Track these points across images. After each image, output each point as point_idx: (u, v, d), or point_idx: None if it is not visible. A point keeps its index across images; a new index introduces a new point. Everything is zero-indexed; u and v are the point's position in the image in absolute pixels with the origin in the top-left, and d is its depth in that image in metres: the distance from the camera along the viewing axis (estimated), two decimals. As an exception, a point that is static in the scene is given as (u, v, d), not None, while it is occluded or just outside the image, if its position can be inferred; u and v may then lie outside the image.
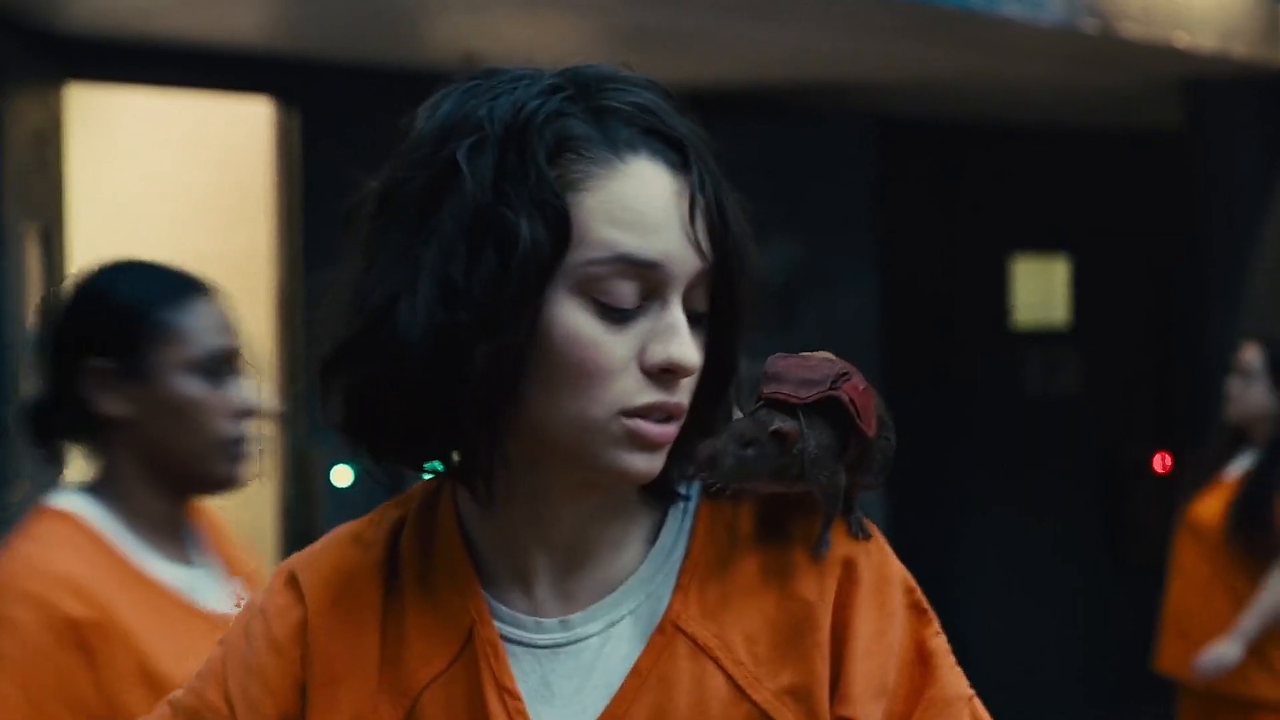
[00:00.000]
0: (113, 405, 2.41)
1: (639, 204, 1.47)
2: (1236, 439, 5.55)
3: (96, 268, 2.49)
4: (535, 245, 1.44)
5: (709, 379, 1.51)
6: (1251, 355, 5.52)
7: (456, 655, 1.53)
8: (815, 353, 1.54)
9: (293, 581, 1.58)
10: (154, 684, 2.28)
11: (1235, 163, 7.78)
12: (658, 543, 1.56)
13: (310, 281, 6.92)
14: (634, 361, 1.47)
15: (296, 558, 1.61)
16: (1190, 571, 5.49)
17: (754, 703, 1.49)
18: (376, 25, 6.45)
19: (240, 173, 7.16)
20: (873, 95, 8.16)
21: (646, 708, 1.50)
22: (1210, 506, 5.46)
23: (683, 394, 1.48)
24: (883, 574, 1.53)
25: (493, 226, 1.44)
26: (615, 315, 1.46)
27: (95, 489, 2.45)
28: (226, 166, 7.25)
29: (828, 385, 1.51)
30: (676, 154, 1.49)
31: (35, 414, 2.46)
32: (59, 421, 2.45)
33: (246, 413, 2.50)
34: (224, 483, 2.48)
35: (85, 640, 2.30)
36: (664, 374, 1.47)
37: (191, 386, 2.42)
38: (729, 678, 1.50)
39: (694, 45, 6.66)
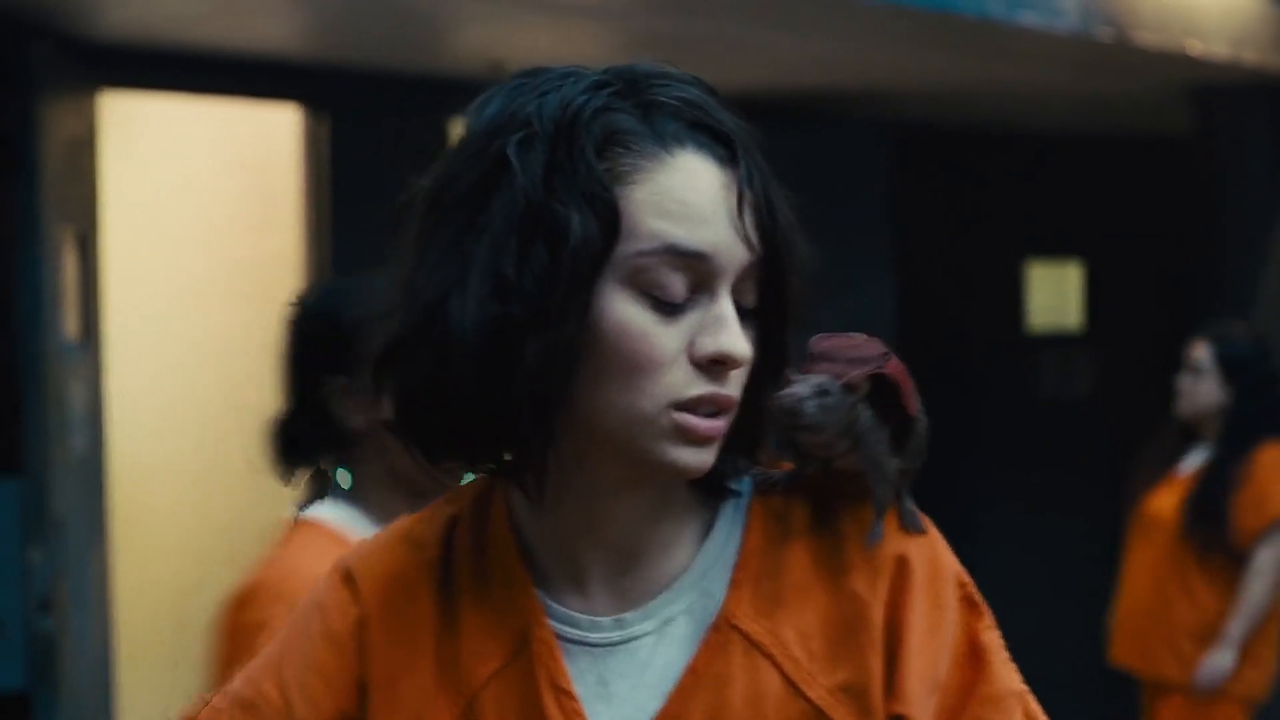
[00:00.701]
0: (360, 419, 2.49)
1: (687, 196, 1.46)
2: (1186, 435, 5.60)
3: (336, 282, 2.56)
4: (586, 238, 1.43)
5: (759, 374, 1.50)
6: (1201, 352, 5.56)
7: (512, 654, 1.52)
8: (855, 334, 1.54)
9: (349, 579, 1.57)
10: None
11: (1246, 167, 7.81)
12: (711, 539, 1.54)
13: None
14: (683, 354, 1.46)
15: (352, 555, 1.60)
16: (1144, 567, 5.54)
17: (809, 700, 1.48)
18: (403, 34, 6.50)
19: (270, 178, 7.20)
20: (890, 102, 8.20)
21: (703, 706, 1.49)
22: (1164, 502, 5.51)
23: (733, 387, 1.47)
24: (935, 568, 1.52)
25: (543, 221, 1.44)
26: (665, 307, 1.45)
27: (348, 498, 2.54)
28: (256, 172, 7.28)
29: (875, 365, 1.51)
30: (724, 148, 1.48)
31: (283, 430, 2.54)
32: (307, 437, 2.53)
33: None
34: None
35: None
36: (713, 365, 1.46)
37: None
38: (783, 675, 1.49)
39: (714, 52, 6.70)
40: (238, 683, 1.58)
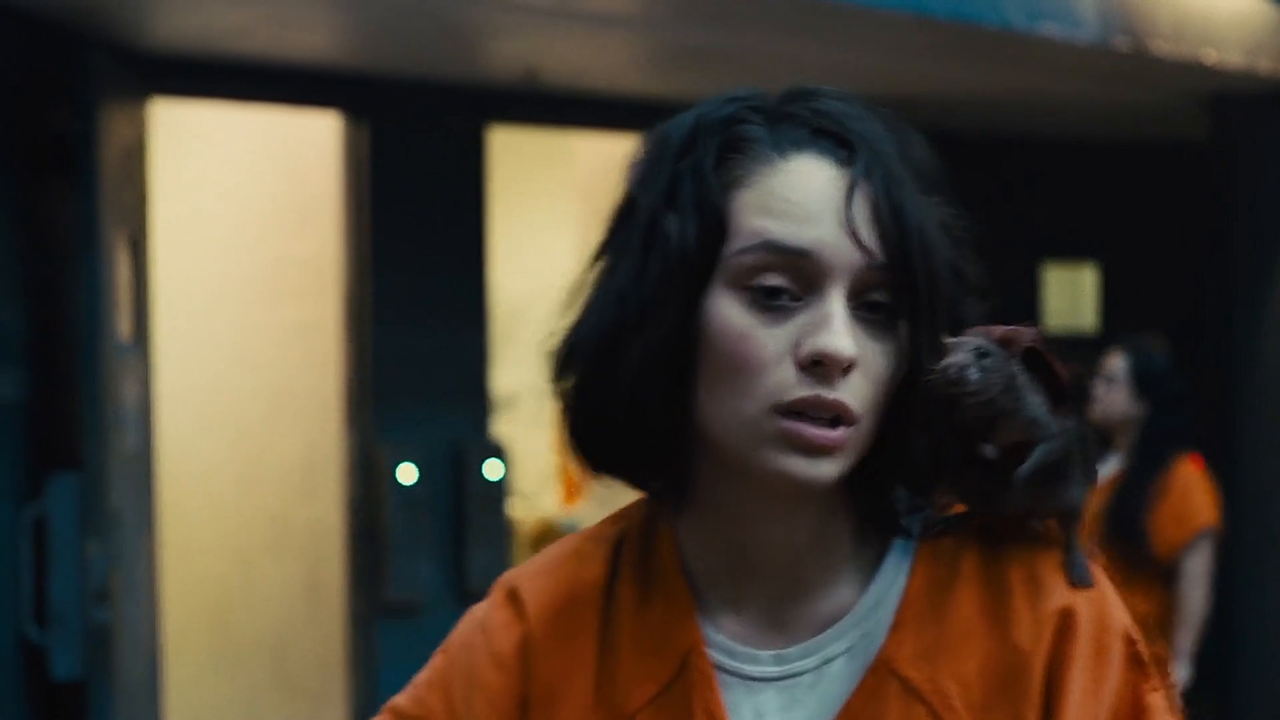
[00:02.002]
0: None
1: (792, 195, 1.44)
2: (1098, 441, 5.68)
3: None
4: (684, 240, 1.43)
5: (906, 382, 1.46)
6: (1115, 362, 5.64)
7: (670, 681, 1.50)
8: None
9: (514, 597, 1.56)
10: None
11: (1260, 173, 7.89)
12: (876, 579, 1.50)
13: (377, 285, 7.14)
14: (789, 355, 1.42)
15: (518, 573, 1.58)
16: None
17: None
18: (441, 43, 6.62)
19: (311, 182, 7.31)
20: (913, 109, 8.24)
21: None
22: None
23: (846, 392, 1.42)
24: (1102, 624, 1.47)
25: (658, 230, 1.45)
26: (768, 307, 1.43)
27: None
28: (298, 177, 7.39)
29: (1030, 336, 1.47)
30: (847, 151, 1.46)
31: None
32: None
33: None
34: None
35: None
36: (816, 366, 1.41)
37: None
38: None
39: (744, 62, 6.81)
40: (404, 700, 1.58)
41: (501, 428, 7.94)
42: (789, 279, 1.43)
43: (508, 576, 1.59)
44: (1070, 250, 9.59)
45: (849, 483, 1.47)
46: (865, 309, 1.44)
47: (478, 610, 1.58)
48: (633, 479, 1.52)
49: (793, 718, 1.48)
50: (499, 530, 7.29)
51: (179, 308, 7.42)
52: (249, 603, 7.70)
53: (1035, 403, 1.46)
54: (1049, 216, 9.47)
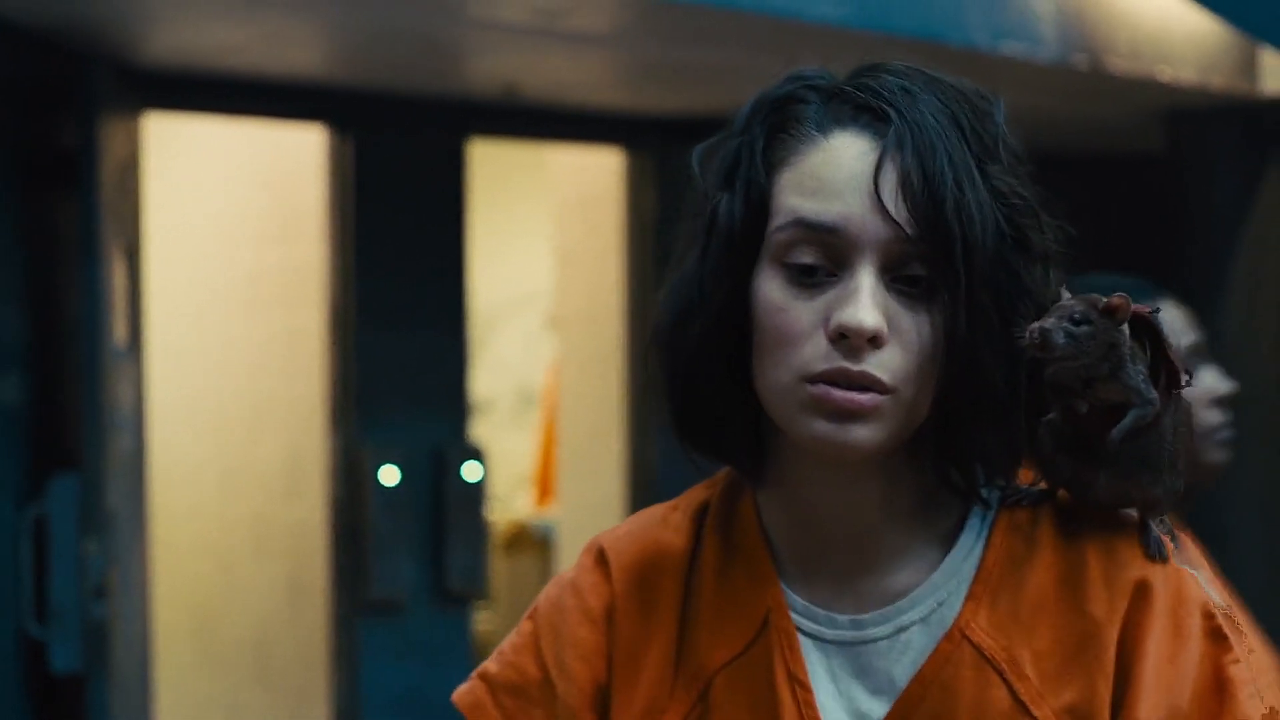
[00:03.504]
0: None
1: (824, 172, 1.45)
2: None
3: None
4: (730, 220, 1.46)
5: (954, 358, 1.44)
6: None
7: (751, 642, 1.51)
8: None
9: (602, 560, 1.58)
10: None
11: (1211, 185, 7.99)
12: (954, 550, 1.50)
13: (360, 292, 7.30)
14: (820, 329, 1.44)
15: (605, 537, 1.61)
16: None
17: (1035, 719, 1.45)
18: (424, 59, 6.72)
19: (297, 194, 7.41)
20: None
21: (928, 714, 1.47)
22: None
23: (875, 364, 1.43)
24: (1179, 596, 1.47)
25: (714, 210, 1.49)
26: (802, 282, 1.45)
27: None
28: (284, 188, 7.48)
29: (1144, 305, 1.45)
30: (888, 126, 1.45)
31: None
32: None
33: (1222, 400, 2.67)
34: (1215, 469, 2.63)
35: None
36: (843, 339, 1.42)
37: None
38: (1012, 692, 1.45)
39: (717, 78, 6.94)
40: (495, 667, 1.60)
41: (475, 431, 8.08)
42: (822, 255, 1.44)
43: (597, 541, 1.61)
44: (1030, 260, 9.72)
45: (916, 455, 1.49)
46: (903, 282, 1.45)
47: (566, 574, 1.61)
48: (717, 455, 1.54)
49: (866, 683, 1.49)
50: (478, 530, 7.43)
51: (167, 315, 7.53)
52: (233, 601, 7.78)
53: (1135, 371, 1.43)
54: (1009, 227, 9.59)
